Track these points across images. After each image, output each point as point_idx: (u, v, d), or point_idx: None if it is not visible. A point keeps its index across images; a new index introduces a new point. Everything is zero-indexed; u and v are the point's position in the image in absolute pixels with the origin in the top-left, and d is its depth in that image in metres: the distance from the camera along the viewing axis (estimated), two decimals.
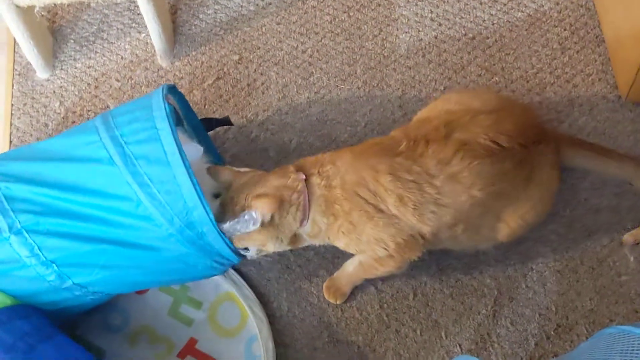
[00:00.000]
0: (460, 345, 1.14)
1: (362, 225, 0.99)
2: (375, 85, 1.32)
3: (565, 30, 1.33)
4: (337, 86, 1.32)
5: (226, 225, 0.97)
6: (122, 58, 1.37)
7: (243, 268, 1.19)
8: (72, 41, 1.39)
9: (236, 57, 1.36)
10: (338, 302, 1.17)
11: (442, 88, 1.30)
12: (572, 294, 1.16)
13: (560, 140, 1.11)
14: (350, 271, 1.13)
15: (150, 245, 0.94)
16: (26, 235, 0.92)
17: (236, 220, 0.97)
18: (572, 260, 1.18)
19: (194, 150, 1.13)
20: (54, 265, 0.93)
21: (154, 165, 0.92)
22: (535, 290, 1.16)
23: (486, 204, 1.01)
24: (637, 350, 0.84)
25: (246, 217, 0.97)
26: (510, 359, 1.13)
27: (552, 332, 1.14)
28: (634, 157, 1.20)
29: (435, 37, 1.34)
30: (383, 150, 1.01)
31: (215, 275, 1.11)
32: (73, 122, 1.31)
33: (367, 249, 1.03)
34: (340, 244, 1.04)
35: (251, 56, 1.36)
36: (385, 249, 1.01)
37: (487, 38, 1.34)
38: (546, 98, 1.28)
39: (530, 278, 1.17)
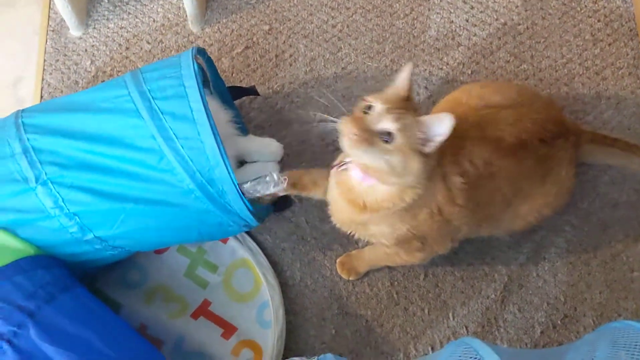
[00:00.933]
0: (466, 327, 1.16)
1: (418, 218, 0.96)
2: (403, 64, 1.31)
3: (599, 21, 1.31)
4: (365, 63, 1.32)
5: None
6: (154, 21, 1.38)
7: (259, 236, 1.22)
8: (106, 1, 1.41)
9: (266, 27, 1.36)
10: (350, 279, 1.19)
11: (470, 72, 1.30)
12: (582, 286, 1.17)
13: (582, 135, 1.10)
14: (372, 255, 1.13)
15: (171, 202, 0.97)
16: (51, 186, 0.95)
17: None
18: (585, 253, 1.18)
19: (223, 113, 1.16)
20: (76, 217, 0.96)
21: (180, 121, 0.94)
22: (545, 279, 1.17)
23: (510, 201, 1.02)
24: (637, 345, 0.85)
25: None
26: (515, 344, 1.15)
27: (559, 322, 1.15)
28: None
29: (467, 20, 1.34)
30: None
31: (235, 234, 1.14)
32: (103, 81, 1.33)
33: (404, 240, 1.00)
34: (382, 229, 0.98)
35: (281, 27, 1.36)
36: (422, 243, 1.00)
37: (519, 24, 1.32)
38: (573, 89, 1.27)
39: (542, 267, 1.18)
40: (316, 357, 0.92)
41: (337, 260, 1.19)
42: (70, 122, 0.99)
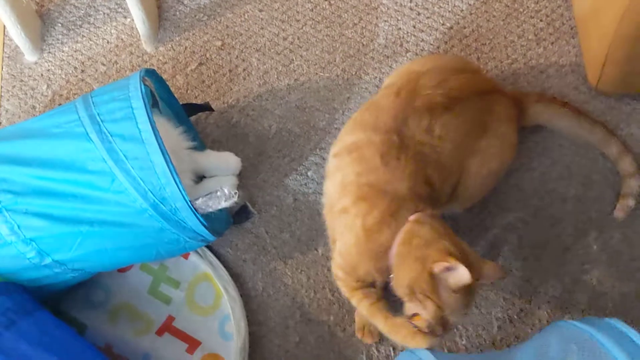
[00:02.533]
0: None
1: None
2: (354, 73, 1.35)
3: (541, 21, 1.35)
4: (317, 74, 1.35)
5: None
6: (108, 42, 1.40)
7: (220, 250, 1.24)
8: (60, 25, 1.43)
9: (219, 43, 1.39)
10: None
11: None
12: (536, 281, 1.20)
13: (526, 99, 1.17)
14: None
15: (125, 222, 0.99)
16: (6, 214, 0.97)
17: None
18: (537, 248, 1.22)
19: (176, 131, 1.18)
20: (33, 243, 0.98)
21: (129, 142, 0.96)
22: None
23: (462, 159, 1.05)
24: (585, 340, 0.89)
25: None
26: (474, 340, 1.18)
27: (515, 316, 1.19)
28: (605, 124, 1.23)
29: (414, 27, 1.37)
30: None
31: (193, 249, 1.17)
32: (60, 104, 1.35)
33: None
34: None
35: (233, 42, 1.39)
36: None
37: (464, 28, 1.36)
38: (520, 87, 1.31)
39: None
40: None
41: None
42: (23, 149, 1.01)
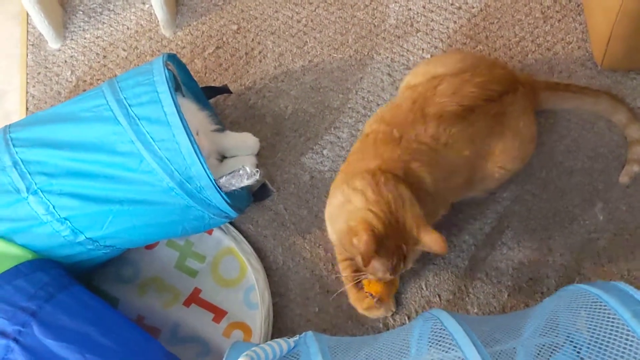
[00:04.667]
0: (439, 296, 1.25)
1: None
2: (366, 54, 1.39)
3: None
4: (330, 55, 1.39)
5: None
6: (127, 28, 1.45)
7: (242, 226, 1.30)
8: (81, 12, 1.47)
9: (235, 27, 1.43)
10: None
11: (429, 56, 1.37)
12: (544, 250, 1.26)
13: (535, 85, 1.22)
14: None
15: (153, 200, 1.05)
16: (42, 195, 1.03)
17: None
18: (545, 219, 1.27)
19: (199, 113, 1.23)
20: (67, 222, 1.04)
21: (155, 124, 1.02)
22: (509, 246, 1.26)
23: (474, 163, 1.11)
24: (593, 302, 0.94)
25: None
26: (485, 307, 1.24)
27: (524, 285, 1.24)
28: (608, 92, 1.29)
29: (424, 7, 1.40)
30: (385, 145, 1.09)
31: (217, 225, 1.23)
32: (84, 90, 1.41)
33: None
34: None
35: (249, 26, 1.43)
36: None
37: (473, 7, 1.39)
38: (527, 65, 1.35)
39: (506, 235, 1.27)
40: (297, 336, 1.00)
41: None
42: (55, 133, 1.07)
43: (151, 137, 1.01)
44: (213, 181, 1.03)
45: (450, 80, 1.11)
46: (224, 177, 1.08)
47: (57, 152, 1.04)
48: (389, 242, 1.00)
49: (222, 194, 1.06)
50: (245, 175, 1.08)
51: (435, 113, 1.07)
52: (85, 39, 1.45)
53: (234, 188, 1.09)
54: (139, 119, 1.02)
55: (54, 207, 1.04)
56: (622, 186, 1.26)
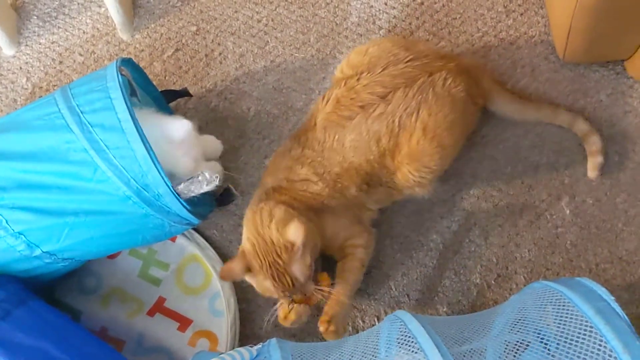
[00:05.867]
0: (408, 296, 1.23)
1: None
2: (328, 53, 1.37)
3: None
4: (292, 55, 1.37)
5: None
6: (84, 33, 1.41)
7: (206, 232, 1.27)
8: (35, 17, 1.43)
9: (194, 29, 1.40)
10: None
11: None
12: (512, 246, 1.25)
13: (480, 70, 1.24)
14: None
15: (110, 210, 1.02)
16: None
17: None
18: (512, 215, 1.26)
19: (156, 118, 1.19)
20: (22, 236, 1.01)
21: (109, 132, 0.98)
22: (477, 243, 1.25)
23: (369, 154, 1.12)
24: (558, 299, 0.94)
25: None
26: (454, 306, 1.23)
27: (492, 282, 1.23)
28: (543, 102, 1.30)
29: (385, 4, 1.39)
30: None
31: (178, 233, 1.20)
32: (40, 96, 1.37)
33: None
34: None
35: (208, 27, 1.40)
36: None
37: (435, 3, 1.38)
38: (490, 60, 1.34)
39: (473, 232, 1.26)
40: (260, 344, 0.98)
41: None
42: (5, 143, 1.03)
43: (105, 145, 0.98)
44: (171, 188, 1.01)
45: (365, 75, 1.14)
46: (183, 184, 1.05)
47: (7, 163, 1.01)
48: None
49: (181, 200, 1.03)
50: (205, 181, 1.05)
51: (326, 118, 1.15)
52: (40, 44, 1.41)
53: (193, 195, 1.06)
54: (92, 127, 0.99)
55: (7, 222, 1.00)
56: (590, 180, 1.26)
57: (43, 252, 1.04)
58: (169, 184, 1.00)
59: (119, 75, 1.03)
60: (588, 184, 1.26)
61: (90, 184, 0.99)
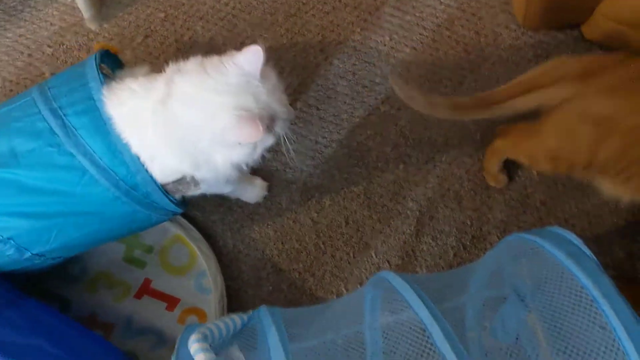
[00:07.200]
0: (388, 262, 1.27)
1: None
2: (297, 32, 1.40)
3: None
4: (262, 35, 1.40)
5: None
6: (51, 25, 1.41)
7: (189, 213, 1.29)
8: (1, 11, 1.42)
9: (162, 15, 1.41)
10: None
11: (359, 29, 1.39)
12: (485, 209, 1.30)
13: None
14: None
15: (99, 210, 1.00)
16: None
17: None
18: (483, 179, 1.31)
19: None
20: (11, 241, 0.99)
21: (95, 134, 0.95)
22: (452, 208, 1.30)
23: None
24: (531, 249, 0.98)
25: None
26: (433, 268, 1.28)
27: (468, 243, 1.28)
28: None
29: None
30: None
31: (162, 222, 1.21)
32: (11, 90, 1.36)
33: None
34: None
35: (176, 12, 1.41)
36: None
37: None
38: (455, 32, 1.38)
39: (448, 198, 1.30)
40: (251, 311, 1.00)
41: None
42: None
43: (91, 148, 0.96)
44: (160, 187, 1.00)
45: None
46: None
47: None
48: None
49: (171, 197, 1.03)
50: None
51: None
52: (7, 38, 1.40)
53: (180, 194, 1.06)
54: (76, 129, 0.96)
55: None
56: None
57: (32, 254, 1.02)
58: (158, 184, 0.99)
59: (100, 75, 0.99)
60: None
61: (79, 187, 0.97)
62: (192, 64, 0.99)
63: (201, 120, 0.94)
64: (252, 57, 0.94)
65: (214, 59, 0.98)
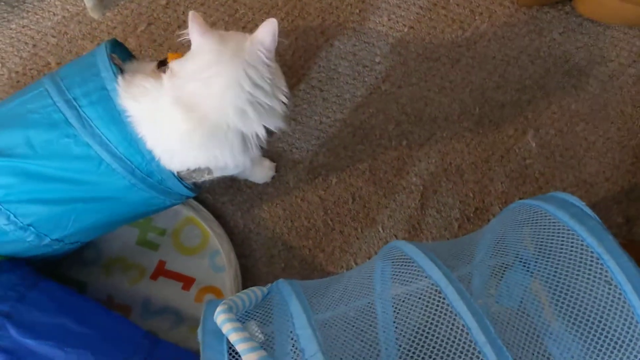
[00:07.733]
0: (395, 236, 1.31)
1: None
2: (297, 15, 1.42)
3: None
4: (262, 19, 1.42)
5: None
6: (54, 14, 1.43)
7: (200, 195, 1.32)
8: (3, 3, 1.44)
9: (164, 2, 1.43)
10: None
11: (358, 11, 1.42)
12: (486, 181, 1.34)
13: None
14: None
15: (115, 196, 1.03)
16: (0, 206, 1.00)
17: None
18: (484, 152, 1.35)
19: None
20: (31, 227, 1.02)
21: (110, 124, 0.98)
22: (454, 181, 1.34)
23: None
24: (535, 213, 1.02)
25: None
26: (438, 240, 1.32)
27: (471, 215, 1.33)
28: None
29: None
30: None
31: (174, 205, 1.24)
32: (18, 81, 1.38)
33: None
34: None
35: None
36: None
37: None
38: (450, 10, 1.42)
39: (450, 171, 1.35)
40: (269, 284, 1.04)
41: None
42: (4, 139, 1.01)
43: (107, 138, 0.98)
44: (175, 175, 1.03)
45: None
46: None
47: (9, 160, 0.99)
48: None
49: (185, 183, 1.06)
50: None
51: None
52: (11, 29, 1.42)
53: (194, 180, 1.09)
54: (91, 120, 0.98)
55: (15, 216, 1.01)
56: (549, 112, 1.36)
57: (51, 239, 1.05)
58: (174, 172, 1.02)
59: (112, 65, 1.01)
60: (550, 116, 1.36)
61: (95, 176, 0.99)
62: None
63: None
64: (269, 27, 0.99)
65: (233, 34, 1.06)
